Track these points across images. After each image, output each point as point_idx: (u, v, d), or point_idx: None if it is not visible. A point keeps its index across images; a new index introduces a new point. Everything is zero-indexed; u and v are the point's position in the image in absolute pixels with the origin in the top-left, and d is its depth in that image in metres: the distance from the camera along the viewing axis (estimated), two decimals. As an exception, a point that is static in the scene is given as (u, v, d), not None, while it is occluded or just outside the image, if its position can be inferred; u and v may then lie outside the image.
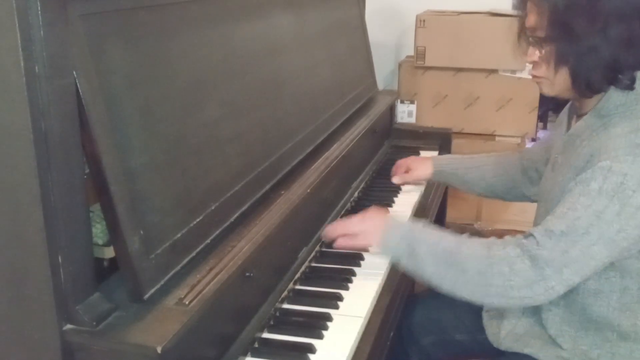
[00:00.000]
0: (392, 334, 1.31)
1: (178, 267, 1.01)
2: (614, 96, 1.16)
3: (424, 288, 1.36)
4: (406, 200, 1.76)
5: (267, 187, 1.33)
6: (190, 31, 1.16)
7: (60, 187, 0.84)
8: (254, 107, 1.35)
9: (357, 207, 1.66)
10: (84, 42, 0.88)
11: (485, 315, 1.42)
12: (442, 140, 2.26)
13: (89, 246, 0.91)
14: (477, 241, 1.21)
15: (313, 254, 1.42)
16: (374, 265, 1.39)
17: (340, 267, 1.39)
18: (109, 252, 1.00)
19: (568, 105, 1.35)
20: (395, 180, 1.80)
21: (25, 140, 0.81)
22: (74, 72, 0.85)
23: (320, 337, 1.13)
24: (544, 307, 1.25)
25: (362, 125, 1.90)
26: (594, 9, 1.11)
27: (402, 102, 2.70)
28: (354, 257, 1.41)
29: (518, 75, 2.60)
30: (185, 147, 1.09)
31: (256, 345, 1.11)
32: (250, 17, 1.42)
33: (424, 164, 1.79)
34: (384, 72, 3.08)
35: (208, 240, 1.09)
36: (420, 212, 1.77)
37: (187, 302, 0.94)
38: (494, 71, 2.63)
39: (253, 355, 1.08)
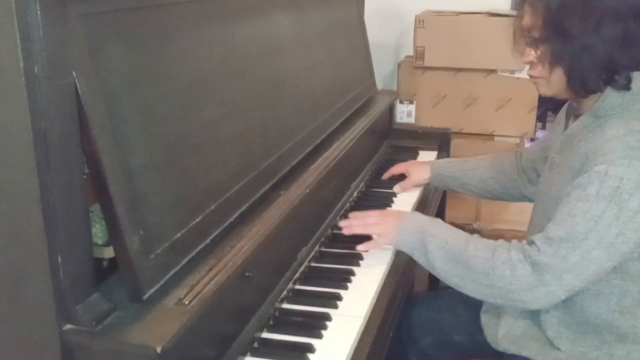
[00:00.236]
0: (391, 334, 1.31)
1: (177, 267, 1.01)
2: (610, 96, 1.16)
3: (423, 288, 1.37)
4: (405, 201, 1.76)
5: (267, 187, 1.33)
6: (190, 31, 1.16)
7: (60, 187, 0.84)
8: (253, 107, 1.35)
9: (356, 207, 1.66)
10: (84, 42, 0.88)
11: (483, 316, 1.42)
12: (441, 140, 2.26)
13: (88, 246, 0.91)
14: (484, 242, 1.24)
15: (312, 253, 1.42)
16: (373, 265, 1.39)
17: (340, 267, 1.39)
18: (109, 252, 1.00)
19: (566, 105, 1.35)
20: (397, 189, 1.80)
21: (25, 140, 0.80)
22: (74, 72, 0.85)
23: (319, 336, 1.13)
24: (542, 309, 1.25)
25: (361, 125, 1.90)
26: (587, 9, 1.11)
27: (401, 102, 2.70)
28: (353, 257, 1.41)
29: (517, 75, 2.59)
30: (184, 147, 1.09)
31: (256, 345, 1.11)
32: (250, 17, 1.42)
33: (422, 169, 1.80)
34: (383, 72, 3.08)
35: (207, 240, 1.09)
36: (419, 212, 1.76)
37: (186, 302, 0.94)
38: (493, 71, 2.63)
39: (252, 355, 1.09)
